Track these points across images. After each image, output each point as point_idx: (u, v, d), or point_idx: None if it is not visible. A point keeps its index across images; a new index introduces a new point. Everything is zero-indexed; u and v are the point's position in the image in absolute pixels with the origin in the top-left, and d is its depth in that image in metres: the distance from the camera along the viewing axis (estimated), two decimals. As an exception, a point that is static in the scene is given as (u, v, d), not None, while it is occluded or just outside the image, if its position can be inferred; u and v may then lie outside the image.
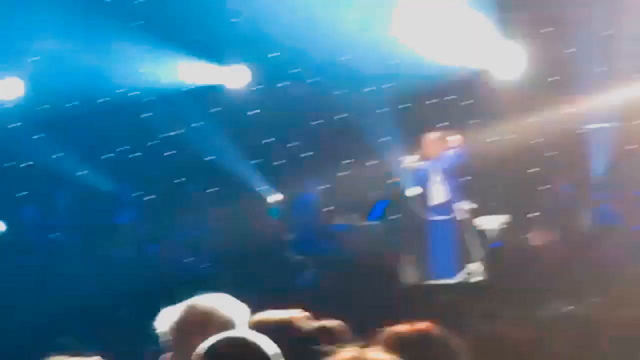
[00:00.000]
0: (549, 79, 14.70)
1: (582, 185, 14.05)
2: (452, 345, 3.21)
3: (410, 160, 13.04)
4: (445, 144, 12.92)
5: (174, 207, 14.91)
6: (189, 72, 15.47)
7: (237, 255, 14.48)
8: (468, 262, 12.70)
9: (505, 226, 13.30)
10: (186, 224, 14.65)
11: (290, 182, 15.18)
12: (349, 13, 14.25)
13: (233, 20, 14.29)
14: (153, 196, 15.46)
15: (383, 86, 15.09)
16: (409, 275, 11.91)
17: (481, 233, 13.00)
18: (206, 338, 2.76)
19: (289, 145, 15.72)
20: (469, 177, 13.58)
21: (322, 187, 14.62)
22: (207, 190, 15.45)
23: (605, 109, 14.33)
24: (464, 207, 12.86)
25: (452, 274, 12.51)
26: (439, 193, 12.90)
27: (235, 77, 15.59)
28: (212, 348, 2.69)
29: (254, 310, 3.57)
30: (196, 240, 14.25)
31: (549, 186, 14.40)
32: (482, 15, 14.11)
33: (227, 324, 3.24)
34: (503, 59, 14.49)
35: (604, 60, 14.15)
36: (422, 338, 3.16)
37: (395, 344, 2.75)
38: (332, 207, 14.66)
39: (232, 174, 15.31)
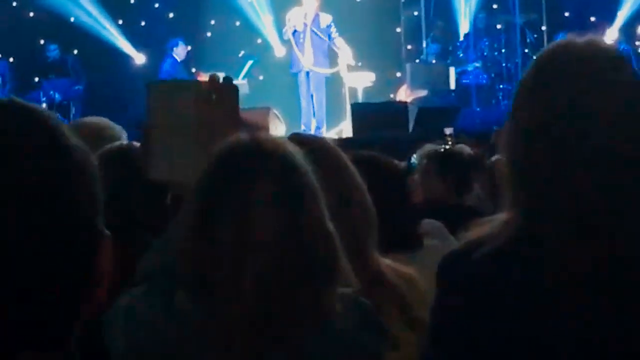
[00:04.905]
0: None
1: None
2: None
3: (293, 13, 12.60)
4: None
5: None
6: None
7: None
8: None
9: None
10: None
11: (153, 42, 15.05)
12: None
13: None
14: None
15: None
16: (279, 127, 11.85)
17: (351, 89, 13.13)
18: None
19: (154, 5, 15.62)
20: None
21: (189, 47, 14.40)
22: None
23: None
24: (341, 62, 12.74)
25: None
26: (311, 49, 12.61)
27: None
28: None
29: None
30: None
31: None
32: None
33: (116, 138, 3.38)
34: None
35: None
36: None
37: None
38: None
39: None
